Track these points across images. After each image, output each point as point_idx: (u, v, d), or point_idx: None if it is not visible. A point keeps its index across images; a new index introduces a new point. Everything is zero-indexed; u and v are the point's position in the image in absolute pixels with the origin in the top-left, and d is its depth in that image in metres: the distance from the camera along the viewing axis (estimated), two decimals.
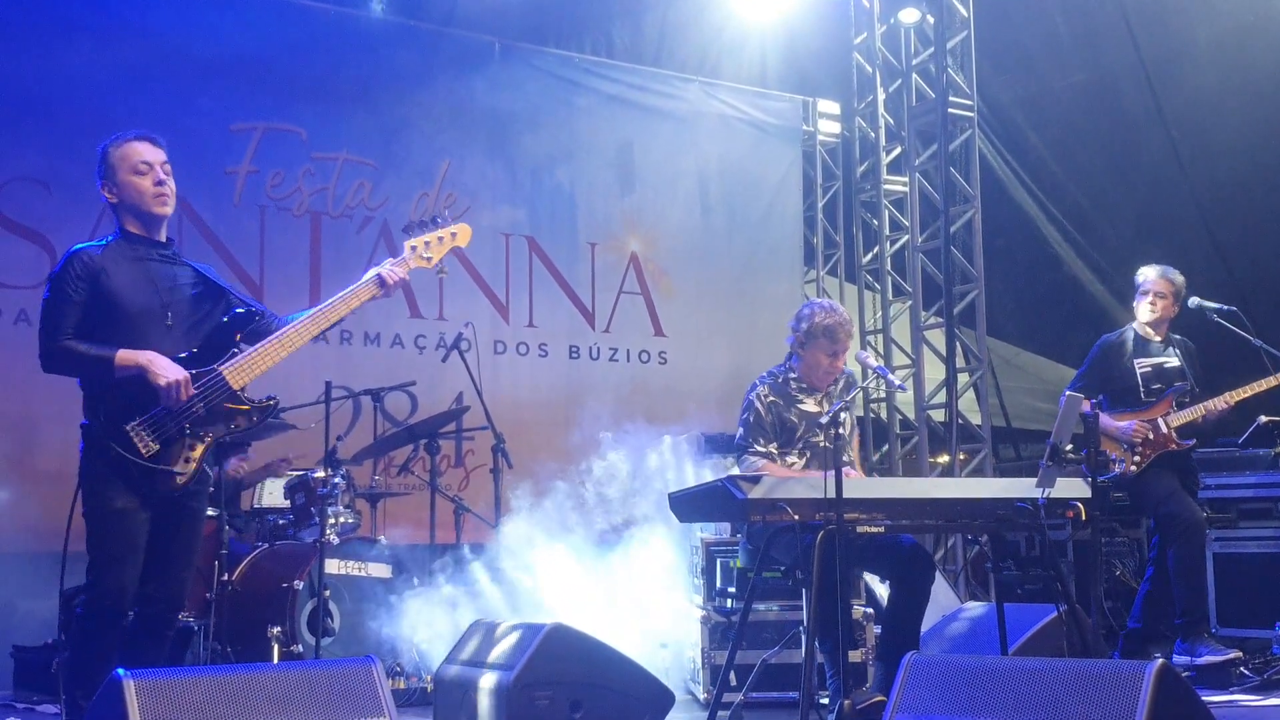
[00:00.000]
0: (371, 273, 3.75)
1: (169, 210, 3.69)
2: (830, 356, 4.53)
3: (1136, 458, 5.39)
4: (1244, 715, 4.66)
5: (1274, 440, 6.21)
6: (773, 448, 4.49)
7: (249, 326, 3.68)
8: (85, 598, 3.51)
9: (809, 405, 4.58)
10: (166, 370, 3.47)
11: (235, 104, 7.03)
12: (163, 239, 3.72)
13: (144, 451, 3.46)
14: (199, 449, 3.54)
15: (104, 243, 3.65)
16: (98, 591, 3.49)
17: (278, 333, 3.64)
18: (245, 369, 3.61)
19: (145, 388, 3.47)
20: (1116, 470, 5.41)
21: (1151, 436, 5.41)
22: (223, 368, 3.59)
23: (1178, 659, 5.21)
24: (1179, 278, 5.60)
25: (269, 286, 7.03)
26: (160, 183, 3.64)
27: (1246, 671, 5.34)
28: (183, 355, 3.56)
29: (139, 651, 3.55)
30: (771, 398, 4.54)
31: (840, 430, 4.14)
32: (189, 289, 3.71)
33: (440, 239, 3.84)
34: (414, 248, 3.81)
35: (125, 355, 3.48)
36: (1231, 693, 5.06)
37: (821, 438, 4.42)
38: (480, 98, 7.75)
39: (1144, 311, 5.58)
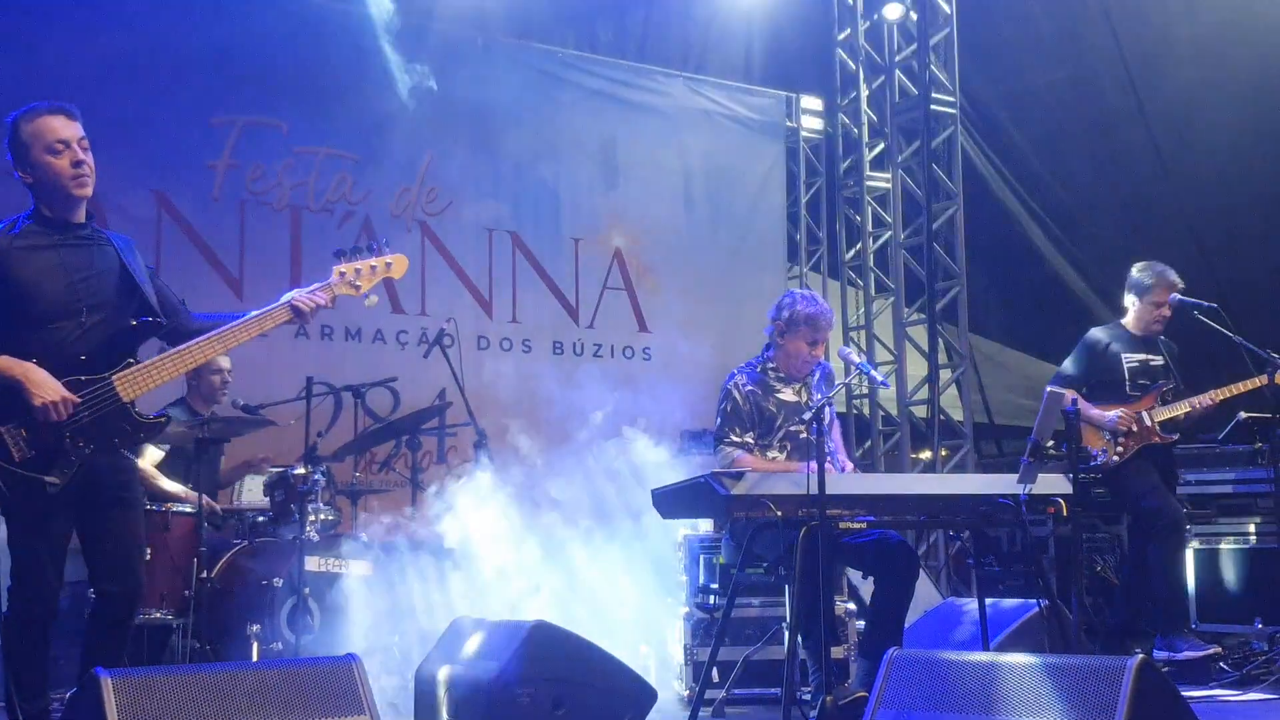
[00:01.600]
0: (285, 298, 3.58)
1: (89, 192, 3.46)
2: (810, 345, 4.54)
3: (1119, 448, 5.41)
4: (1223, 710, 4.68)
5: (1254, 436, 6.24)
6: (749, 437, 4.48)
7: (154, 335, 3.50)
8: (9, 600, 3.39)
9: (787, 395, 4.58)
10: (43, 389, 3.24)
11: (215, 97, 6.97)
12: (80, 220, 3.49)
13: (16, 456, 3.27)
14: (78, 459, 3.33)
15: (15, 229, 3.42)
16: (19, 595, 3.37)
17: (180, 348, 3.47)
18: (139, 380, 3.40)
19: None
20: (1098, 460, 5.42)
21: (1135, 428, 5.43)
22: (115, 377, 3.38)
23: (1158, 654, 5.23)
24: (1180, 282, 5.61)
25: (249, 281, 6.97)
26: (78, 163, 3.41)
27: (1226, 667, 5.36)
28: (82, 358, 3.35)
29: (102, 646, 3.48)
30: (749, 387, 4.54)
31: (821, 422, 4.13)
32: (108, 276, 3.47)
33: (373, 268, 3.68)
34: (343, 274, 3.65)
35: (2, 363, 3.27)
36: (1211, 688, 5.08)
37: (803, 429, 4.42)
38: (463, 92, 7.71)
39: (1148, 314, 5.56)
